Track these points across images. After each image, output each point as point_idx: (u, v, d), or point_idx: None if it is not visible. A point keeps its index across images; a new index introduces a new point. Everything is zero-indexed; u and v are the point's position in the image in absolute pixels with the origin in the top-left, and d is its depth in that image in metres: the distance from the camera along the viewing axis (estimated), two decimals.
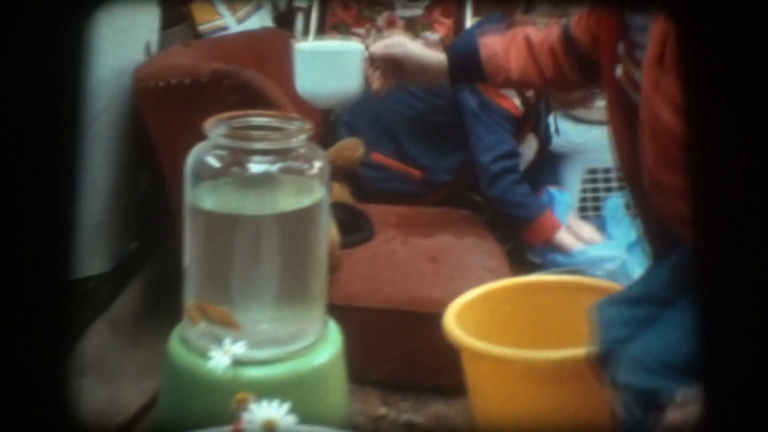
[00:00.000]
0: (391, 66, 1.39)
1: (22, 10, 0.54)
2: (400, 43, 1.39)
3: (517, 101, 2.00)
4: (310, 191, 1.31)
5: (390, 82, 1.41)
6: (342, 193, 1.94)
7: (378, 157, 2.05)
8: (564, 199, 2.02)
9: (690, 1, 0.52)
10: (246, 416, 0.83)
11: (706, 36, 0.51)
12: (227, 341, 0.97)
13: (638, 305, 1.03)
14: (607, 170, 2.17)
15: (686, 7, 0.52)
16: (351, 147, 1.94)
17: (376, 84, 1.39)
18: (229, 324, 1.15)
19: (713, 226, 0.52)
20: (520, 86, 1.40)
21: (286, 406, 0.82)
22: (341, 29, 2.47)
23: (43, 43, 0.56)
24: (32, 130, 0.57)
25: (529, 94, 2.02)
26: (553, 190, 2.04)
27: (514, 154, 1.98)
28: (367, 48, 1.42)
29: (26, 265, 0.60)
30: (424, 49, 1.41)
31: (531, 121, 2.08)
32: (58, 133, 0.58)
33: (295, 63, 1.33)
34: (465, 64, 1.37)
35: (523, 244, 1.97)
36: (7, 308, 0.60)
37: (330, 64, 1.29)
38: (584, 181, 2.18)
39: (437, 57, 1.39)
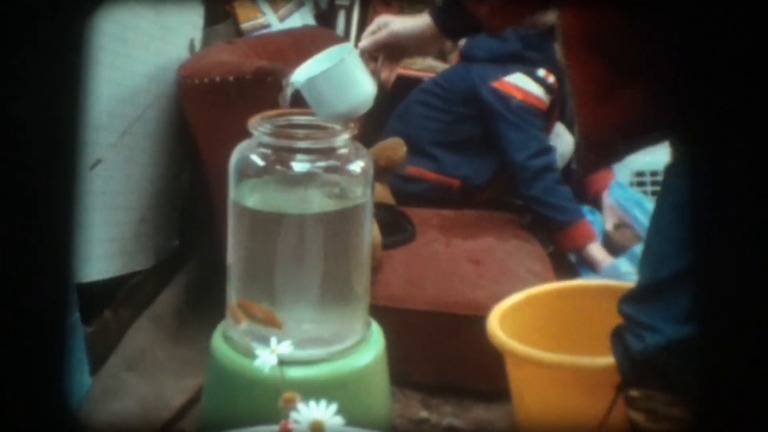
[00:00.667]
0: (386, 51, 1.31)
1: (21, 10, 0.56)
2: (384, 23, 1.31)
3: (539, 92, 1.98)
4: (353, 191, 1.33)
5: (394, 66, 1.33)
6: (384, 193, 1.94)
7: (413, 170, 2.04)
8: (595, 220, 2.00)
9: (691, 1, 0.53)
10: (293, 416, 0.84)
11: (706, 36, 0.53)
12: (273, 340, 0.98)
13: (669, 291, 0.99)
14: (654, 173, 2.15)
15: (686, 7, 0.54)
16: (393, 147, 1.94)
17: (384, 75, 1.35)
18: (271, 323, 1.16)
19: (717, 238, 0.54)
20: (515, 13, 1.31)
21: (333, 407, 0.83)
22: None
23: (43, 43, 0.57)
24: (32, 130, 0.58)
25: (551, 80, 1.98)
26: (585, 208, 2.02)
27: (548, 150, 1.96)
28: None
29: (27, 267, 0.62)
30: (408, 20, 1.33)
31: (557, 110, 2.06)
32: (58, 134, 0.58)
33: (304, 97, 1.32)
34: (449, 9, 1.29)
35: (557, 248, 1.96)
36: (10, 310, 0.62)
37: (331, 82, 1.23)
38: (631, 184, 2.16)
39: (423, 21, 1.31)
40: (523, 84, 1.98)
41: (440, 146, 2.06)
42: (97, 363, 1.58)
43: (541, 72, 1.99)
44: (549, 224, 1.95)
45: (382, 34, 1.31)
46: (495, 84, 1.98)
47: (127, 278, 1.72)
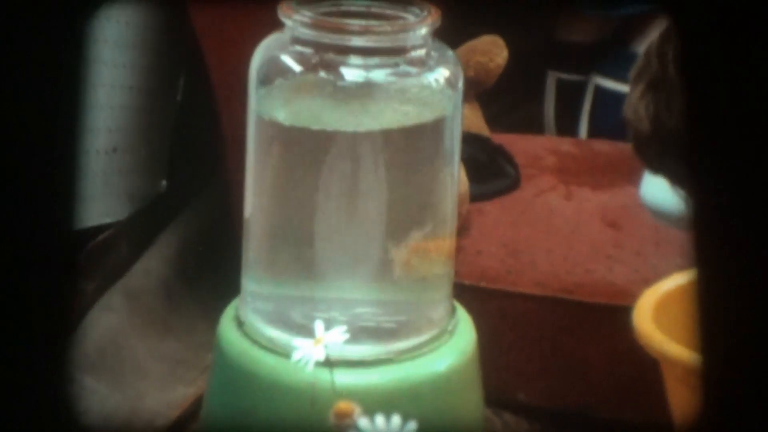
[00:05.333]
0: None
1: (19, 10, 0.71)
2: None
3: None
4: (432, 110, 1.33)
5: None
6: (473, 119, 1.93)
7: None
8: None
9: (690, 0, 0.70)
10: None
11: (706, 36, 0.70)
12: (319, 325, 0.99)
13: None
14: None
15: (686, 7, 0.70)
16: (488, 49, 1.93)
17: None
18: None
19: (713, 231, 0.74)
20: None
21: (412, 425, 0.84)
22: None
23: (42, 44, 0.72)
24: (31, 131, 0.73)
25: None
26: None
27: None
28: None
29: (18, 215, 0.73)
30: None
31: None
32: (58, 136, 0.75)
33: None
34: None
35: None
36: None
37: None
38: None
39: None
40: None
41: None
42: None
43: None
44: None
45: None
46: None
47: (90, 234, 1.74)
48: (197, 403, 1.52)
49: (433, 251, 1.32)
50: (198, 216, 1.92)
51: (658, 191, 1.60)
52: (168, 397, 1.60)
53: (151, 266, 1.80)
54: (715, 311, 0.76)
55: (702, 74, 0.70)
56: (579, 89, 2.25)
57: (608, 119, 2.07)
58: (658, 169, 0.96)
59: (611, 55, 2.17)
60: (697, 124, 0.73)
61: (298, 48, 1.30)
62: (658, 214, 1.61)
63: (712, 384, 0.76)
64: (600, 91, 2.24)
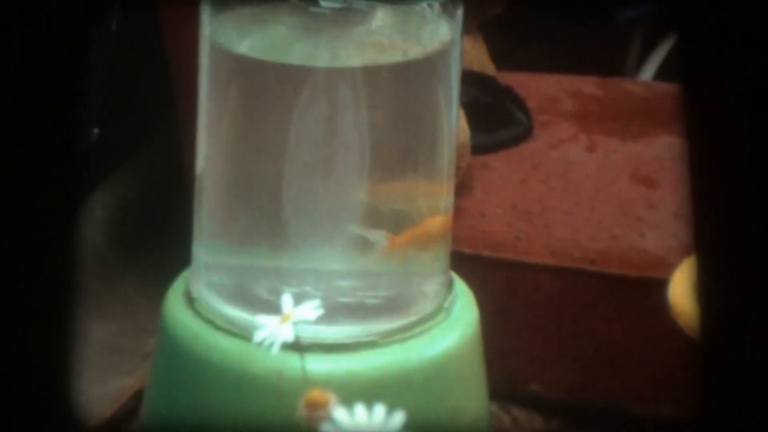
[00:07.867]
0: None
1: (21, 13, 0.79)
2: None
3: None
4: (425, 44, 1.34)
5: None
6: (476, 54, 1.94)
7: None
8: None
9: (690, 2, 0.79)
10: (327, 429, 0.85)
11: (705, 40, 0.79)
12: (287, 299, 0.99)
13: None
14: None
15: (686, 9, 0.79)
16: None
17: None
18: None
19: (714, 233, 0.83)
20: None
21: (399, 416, 0.84)
22: None
23: (43, 49, 0.80)
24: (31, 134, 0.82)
25: None
26: None
27: None
28: None
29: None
30: None
31: None
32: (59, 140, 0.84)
33: None
34: None
35: None
36: None
37: None
38: None
39: None
40: None
41: None
42: None
43: None
44: None
45: None
46: None
47: None
48: (137, 398, 1.53)
49: (427, 213, 1.32)
50: (138, 172, 1.92)
51: None
52: (101, 390, 1.61)
53: (80, 233, 1.80)
54: (715, 298, 0.83)
55: (702, 78, 0.79)
56: None
57: None
58: None
59: None
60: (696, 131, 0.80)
61: None
62: None
63: (712, 371, 0.83)
64: None
